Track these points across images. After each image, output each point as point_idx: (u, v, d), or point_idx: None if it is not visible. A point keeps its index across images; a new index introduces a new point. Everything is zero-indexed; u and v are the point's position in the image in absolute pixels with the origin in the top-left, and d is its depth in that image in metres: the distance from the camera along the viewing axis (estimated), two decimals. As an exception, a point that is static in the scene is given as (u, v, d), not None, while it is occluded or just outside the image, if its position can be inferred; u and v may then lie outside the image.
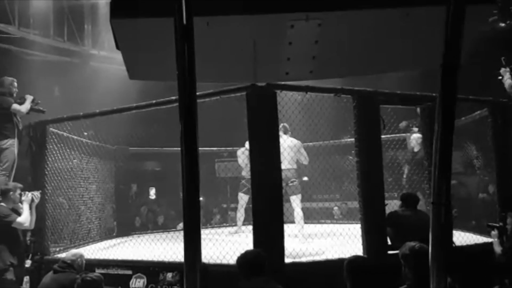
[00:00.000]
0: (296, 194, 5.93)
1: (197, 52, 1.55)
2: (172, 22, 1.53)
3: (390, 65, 2.14)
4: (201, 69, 1.57)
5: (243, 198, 6.77)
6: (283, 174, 4.35)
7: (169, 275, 4.34)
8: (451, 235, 4.54)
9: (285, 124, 5.84)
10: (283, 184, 5.63)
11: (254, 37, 1.83)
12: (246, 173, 6.58)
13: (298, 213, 5.90)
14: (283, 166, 4.30)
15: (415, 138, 6.49)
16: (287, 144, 5.66)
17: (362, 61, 2.04)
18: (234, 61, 2.01)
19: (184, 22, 1.49)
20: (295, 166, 6.04)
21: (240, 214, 6.91)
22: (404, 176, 6.71)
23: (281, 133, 5.44)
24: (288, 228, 4.48)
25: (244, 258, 3.19)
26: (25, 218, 4.94)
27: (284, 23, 1.76)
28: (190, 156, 1.62)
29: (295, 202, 5.93)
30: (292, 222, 5.90)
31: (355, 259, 3.17)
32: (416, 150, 6.48)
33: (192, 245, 1.66)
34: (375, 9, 1.73)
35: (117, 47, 1.87)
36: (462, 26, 1.56)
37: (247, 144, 6.18)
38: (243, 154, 6.70)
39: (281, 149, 4.23)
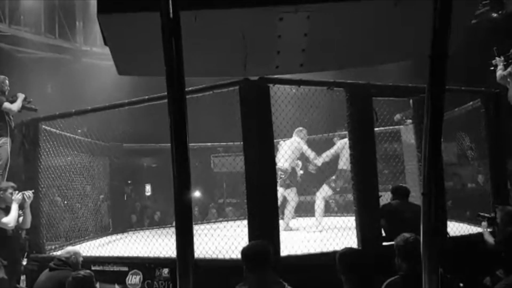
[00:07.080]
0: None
1: (186, 47, 1.54)
2: (159, 17, 1.52)
3: (380, 57, 2.14)
4: (190, 64, 1.56)
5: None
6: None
7: (165, 270, 4.33)
8: (445, 226, 4.57)
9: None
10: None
11: (243, 31, 1.82)
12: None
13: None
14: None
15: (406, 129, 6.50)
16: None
17: (352, 54, 2.04)
18: (223, 56, 2.00)
19: (171, 16, 1.47)
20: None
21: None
22: None
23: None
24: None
25: (251, 249, 2.89)
26: (10, 218, 4.80)
27: (273, 16, 1.75)
28: (180, 151, 1.61)
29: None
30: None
31: (346, 252, 3.17)
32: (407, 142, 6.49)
33: (184, 240, 1.66)
34: (363, 0, 1.73)
35: (105, 43, 1.86)
36: (450, 15, 1.55)
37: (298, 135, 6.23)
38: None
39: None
